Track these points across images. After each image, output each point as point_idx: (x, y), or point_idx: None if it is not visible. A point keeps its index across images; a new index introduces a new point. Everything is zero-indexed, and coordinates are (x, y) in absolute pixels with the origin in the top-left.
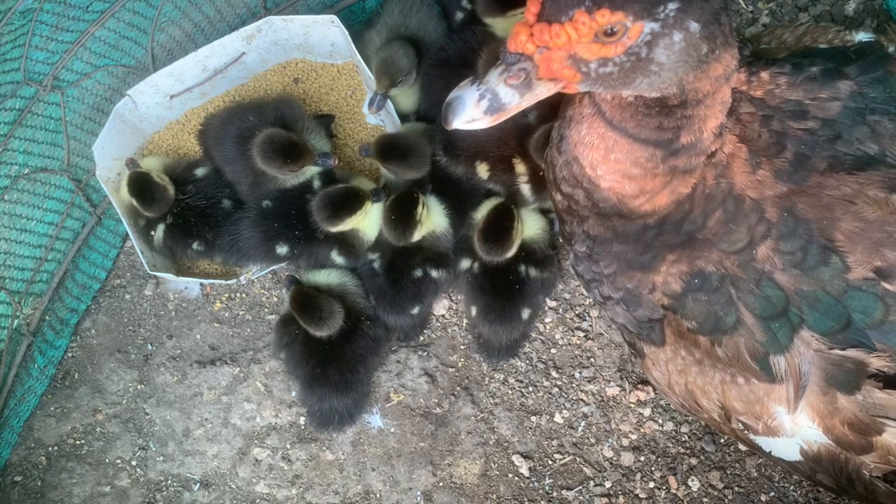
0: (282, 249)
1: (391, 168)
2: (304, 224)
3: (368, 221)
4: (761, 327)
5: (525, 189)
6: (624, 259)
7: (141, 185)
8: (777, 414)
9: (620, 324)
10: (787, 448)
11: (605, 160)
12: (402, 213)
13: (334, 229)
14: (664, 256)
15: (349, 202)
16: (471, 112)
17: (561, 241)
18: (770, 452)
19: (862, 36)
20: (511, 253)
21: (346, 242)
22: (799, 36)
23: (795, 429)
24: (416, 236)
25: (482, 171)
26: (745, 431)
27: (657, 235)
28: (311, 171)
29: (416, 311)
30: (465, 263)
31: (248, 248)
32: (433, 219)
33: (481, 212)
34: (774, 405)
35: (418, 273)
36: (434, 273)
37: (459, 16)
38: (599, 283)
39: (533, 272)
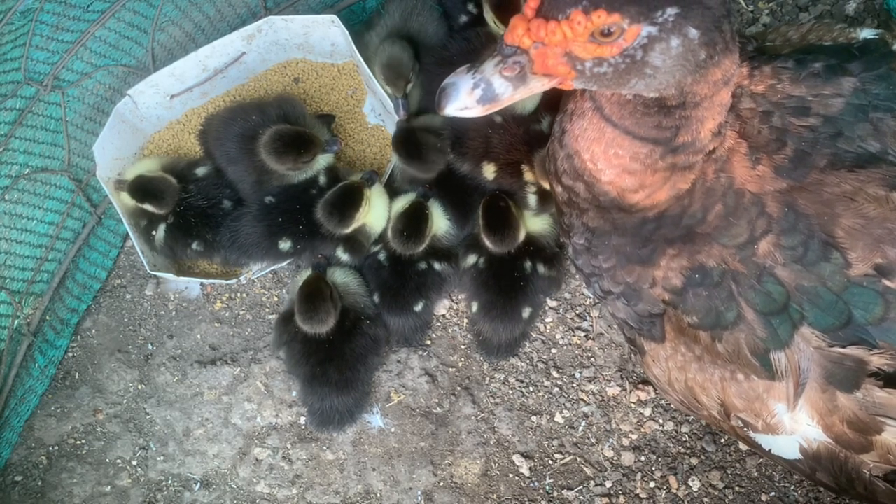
0: (285, 245)
1: (410, 165)
2: (309, 219)
3: (374, 214)
4: (762, 323)
5: (531, 200)
6: (623, 253)
7: (144, 189)
8: (777, 411)
9: (621, 319)
10: (786, 446)
11: (605, 155)
12: (412, 227)
13: (349, 230)
14: (664, 251)
15: (351, 198)
16: (464, 99)
17: (561, 238)
18: (770, 450)
19: (867, 33)
20: (521, 236)
21: (352, 238)
22: (804, 34)
23: (795, 426)
24: (423, 246)
25: (488, 172)
26: (745, 429)
27: (656, 229)
28: (317, 166)
29: (419, 307)
30: (470, 259)
31: (249, 245)
32: (436, 223)
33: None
34: (774, 402)
35: (422, 266)
36: (437, 266)
37: (463, 19)
38: (599, 277)
39: (541, 268)
